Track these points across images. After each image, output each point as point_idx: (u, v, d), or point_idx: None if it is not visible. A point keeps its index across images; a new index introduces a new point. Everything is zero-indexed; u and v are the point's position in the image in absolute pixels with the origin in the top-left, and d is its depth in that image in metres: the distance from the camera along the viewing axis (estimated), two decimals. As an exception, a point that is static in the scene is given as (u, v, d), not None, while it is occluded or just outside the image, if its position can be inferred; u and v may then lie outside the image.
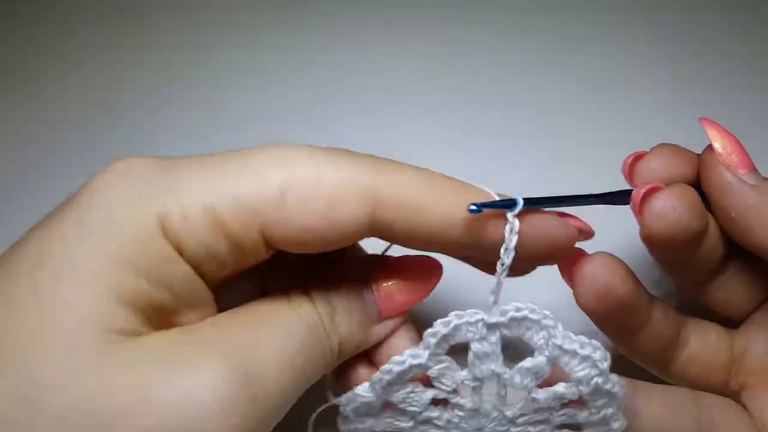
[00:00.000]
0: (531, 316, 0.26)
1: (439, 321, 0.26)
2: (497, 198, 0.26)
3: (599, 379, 0.27)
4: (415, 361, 0.26)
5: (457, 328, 0.26)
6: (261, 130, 0.54)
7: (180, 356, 0.21)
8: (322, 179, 0.22)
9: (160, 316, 0.22)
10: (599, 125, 0.52)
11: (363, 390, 0.27)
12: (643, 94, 0.54)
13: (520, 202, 0.25)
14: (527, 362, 0.27)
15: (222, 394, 0.20)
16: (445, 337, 0.26)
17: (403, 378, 0.27)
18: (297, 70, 0.58)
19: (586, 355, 0.26)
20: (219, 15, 0.64)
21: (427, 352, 0.26)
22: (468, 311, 0.26)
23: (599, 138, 0.51)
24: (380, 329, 0.28)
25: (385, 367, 0.26)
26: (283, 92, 0.56)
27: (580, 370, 0.26)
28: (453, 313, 0.26)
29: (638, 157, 0.31)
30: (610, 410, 0.28)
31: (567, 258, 0.29)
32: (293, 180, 0.22)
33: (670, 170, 0.30)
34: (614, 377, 0.27)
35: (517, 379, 0.27)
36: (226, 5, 0.64)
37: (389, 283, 0.28)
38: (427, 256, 0.28)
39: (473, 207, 0.24)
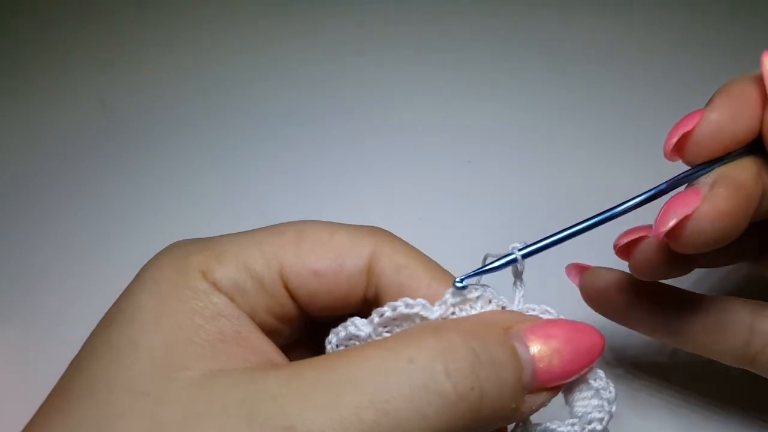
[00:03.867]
0: (544, 317, 0.25)
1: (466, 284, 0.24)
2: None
3: (599, 427, 0.24)
4: (425, 313, 0.23)
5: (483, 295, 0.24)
6: (262, 129, 0.54)
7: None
8: (334, 234, 0.25)
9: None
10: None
11: (360, 323, 0.24)
12: (642, 91, 0.54)
13: (518, 258, 0.24)
14: (556, 425, 0.24)
15: None
16: (466, 301, 0.24)
17: (402, 323, 0.24)
18: (300, 69, 0.58)
19: (596, 389, 0.24)
20: (221, 15, 0.64)
21: (441, 309, 0.24)
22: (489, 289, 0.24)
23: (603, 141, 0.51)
24: (534, 401, 0.22)
25: (394, 303, 0.23)
26: (284, 91, 0.57)
27: (582, 406, 0.24)
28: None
29: (685, 134, 0.26)
30: None
31: (626, 236, 0.29)
32: (308, 232, 0.25)
33: (733, 133, 0.26)
34: None
35: None
36: (229, 6, 0.64)
37: (544, 345, 0.22)
38: (588, 324, 0.24)
39: (458, 284, 0.24)
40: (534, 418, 0.24)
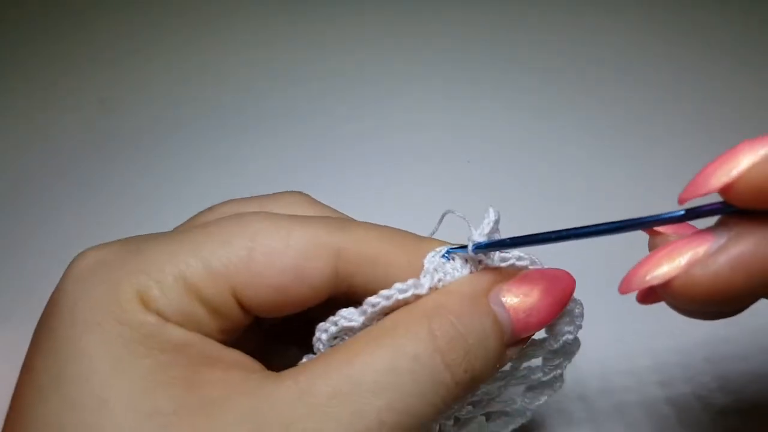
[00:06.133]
0: (519, 263, 0.25)
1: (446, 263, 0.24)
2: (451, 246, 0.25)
3: (570, 337, 0.26)
4: (417, 291, 0.23)
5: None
6: (262, 129, 0.54)
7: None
8: (289, 237, 0.23)
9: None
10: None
11: (348, 313, 0.23)
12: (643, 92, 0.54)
13: (469, 248, 0.24)
14: None
15: None
16: (446, 263, 0.24)
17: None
18: (300, 69, 0.58)
19: (568, 309, 0.25)
20: (221, 15, 0.64)
21: (428, 281, 0.24)
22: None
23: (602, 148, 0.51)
24: (514, 351, 0.24)
25: (386, 292, 0.23)
26: (284, 91, 0.57)
27: (558, 324, 0.25)
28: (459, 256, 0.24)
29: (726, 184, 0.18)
30: (559, 371, 0.27)
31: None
32: (260, 240, 0.22)
33: None
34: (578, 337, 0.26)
35: None
36: (229, 6, 0.64)
37: (522, 303, 0.23)
38: (559, 270, 0.24)
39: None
40: None
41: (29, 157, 0.53)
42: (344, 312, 0.23)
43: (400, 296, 0.23)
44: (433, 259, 0.24)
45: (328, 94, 0.56)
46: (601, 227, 0.21)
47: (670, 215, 0.20)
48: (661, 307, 0.21)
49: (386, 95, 0.55)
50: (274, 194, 0.27)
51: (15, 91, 0.58)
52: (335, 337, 0.24)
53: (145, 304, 0.21)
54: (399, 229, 0.25)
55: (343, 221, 0.24)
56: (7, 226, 0.48)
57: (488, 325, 0.22)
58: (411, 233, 0.25)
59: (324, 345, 0.24)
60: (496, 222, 0.24)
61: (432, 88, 0.56)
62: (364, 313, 0.23)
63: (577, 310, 0.26)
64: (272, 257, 0.22)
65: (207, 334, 0.22)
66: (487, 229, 0.24)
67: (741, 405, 0.33)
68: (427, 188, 0.48)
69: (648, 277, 0.20)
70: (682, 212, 0.20)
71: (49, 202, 0.49)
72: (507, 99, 0.54)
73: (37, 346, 0.22)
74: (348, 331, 0.23)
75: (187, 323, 0.21)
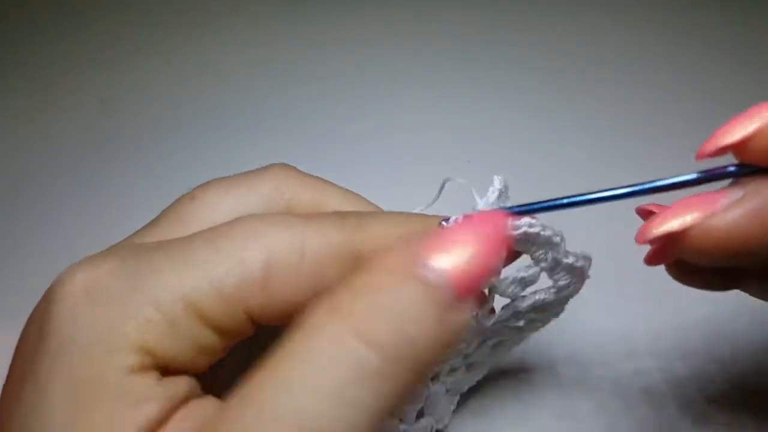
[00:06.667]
0: (543, 233, 0.24)
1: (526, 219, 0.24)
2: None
3: (565, 280, 0.26)
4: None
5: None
6: (262, 129, 0.54)
7: None
8: (305, 250, 0.21)
9: None
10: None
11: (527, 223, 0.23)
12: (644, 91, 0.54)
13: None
14: (522, 272, 0.25)
15: None
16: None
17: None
18: (300, 69, 0.58)
19: (543, 238, 0.24)
20: (221, 15, 0.64)
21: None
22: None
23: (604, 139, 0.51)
24: (460, 317, 0.19)
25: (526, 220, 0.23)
26: (284, 91, 0.57)
27: (563, 279, 0.25)
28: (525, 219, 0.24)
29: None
30: (538, 324, 0.28)
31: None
32: (275, 254, 0.20)
33: None
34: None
35: (509, 288, 0.25)
36: (229, 6, 0.64)
37: (455, 251, 0.19)
38: (487, 212, 0.22)
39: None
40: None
41: (29, 157, 0.53)
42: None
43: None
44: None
45: (328, 94, 0.56)
46: (613, 192, 0.22)
47: (683, 179, 0.21)
48: (664, 292, 0.21)
49: (386, 95, 0.55)
50: (259, 170, 0.26)
51: (15, 91, 0.58)
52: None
53: (151, 350, 0.19)
54: (409, 215, 0.24)
55: (357, 218, 0.22)
56: (7, 226, 0.48)
57: (420, 298, 0.18)
58: (421, 216, 0.24)
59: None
60: (502, 190, 0.24)
61: (432, 88, 0.56)
62: None
63: (555, 239, 0.24)
64: (289, 273, 0.21)
65: (214, 355, 0.21)
66: (492, 198, 0.23)
67: (742, 393, 0.33)
68: (427, 188, 0.48)
69: (664, 227, 0.20)
70: (695, 175, 0.20)
71: (49, 202, 0.49)
72: (507, 99, 0.54)
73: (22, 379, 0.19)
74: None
75: (197, 353, 0.20)
